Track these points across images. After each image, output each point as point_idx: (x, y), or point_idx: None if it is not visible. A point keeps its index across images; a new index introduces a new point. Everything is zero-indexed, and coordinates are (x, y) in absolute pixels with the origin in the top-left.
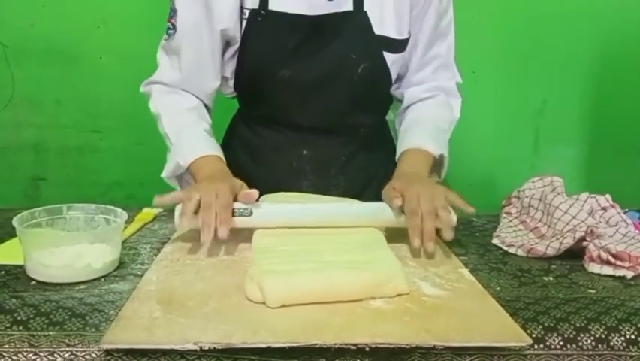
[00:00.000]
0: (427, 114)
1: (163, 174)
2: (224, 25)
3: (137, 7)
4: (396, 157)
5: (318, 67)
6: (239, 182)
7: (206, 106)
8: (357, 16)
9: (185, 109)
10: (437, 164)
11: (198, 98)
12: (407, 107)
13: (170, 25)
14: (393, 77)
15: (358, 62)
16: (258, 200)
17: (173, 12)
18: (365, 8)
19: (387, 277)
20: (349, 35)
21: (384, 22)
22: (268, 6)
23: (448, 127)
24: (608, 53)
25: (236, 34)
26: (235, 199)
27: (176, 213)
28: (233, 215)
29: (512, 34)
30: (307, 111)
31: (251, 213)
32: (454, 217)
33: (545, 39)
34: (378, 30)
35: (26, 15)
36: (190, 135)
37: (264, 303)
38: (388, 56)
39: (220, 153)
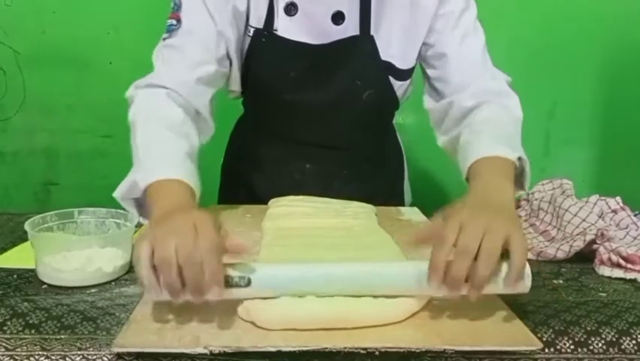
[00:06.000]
0: (484, 120)
1: (115, 193)
2: (221, 30)
3: (147, 13)
4: (464, 176)
5: (321, 94)
6: (216, 222)
7: (201, 117)
8: (364, 41)
9: (166, 123)
10: (516, 174)
11: (195, 108)
12: (455, 122)
13: (174, 21)
14: (400, 100)
15: (363, 88)
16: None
17: (177, 6)
18: (372, 32)
19: (403, 313)
20: (355, 61)
21: (390, 48)
22: (273, 28)
23: (514, 129)
24: (618, 54)
25: (233, 48)
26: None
27: (141, 269)
28: (226, 285)
29: (522, 36)
30: (311, 131)
31: (248, 283)
32: (504, 267)
33: (555, 40)
34: (384, 55)
35: (37, 22)
36: (160, 151)
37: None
38: (395, 81)
39: (194, 183)
